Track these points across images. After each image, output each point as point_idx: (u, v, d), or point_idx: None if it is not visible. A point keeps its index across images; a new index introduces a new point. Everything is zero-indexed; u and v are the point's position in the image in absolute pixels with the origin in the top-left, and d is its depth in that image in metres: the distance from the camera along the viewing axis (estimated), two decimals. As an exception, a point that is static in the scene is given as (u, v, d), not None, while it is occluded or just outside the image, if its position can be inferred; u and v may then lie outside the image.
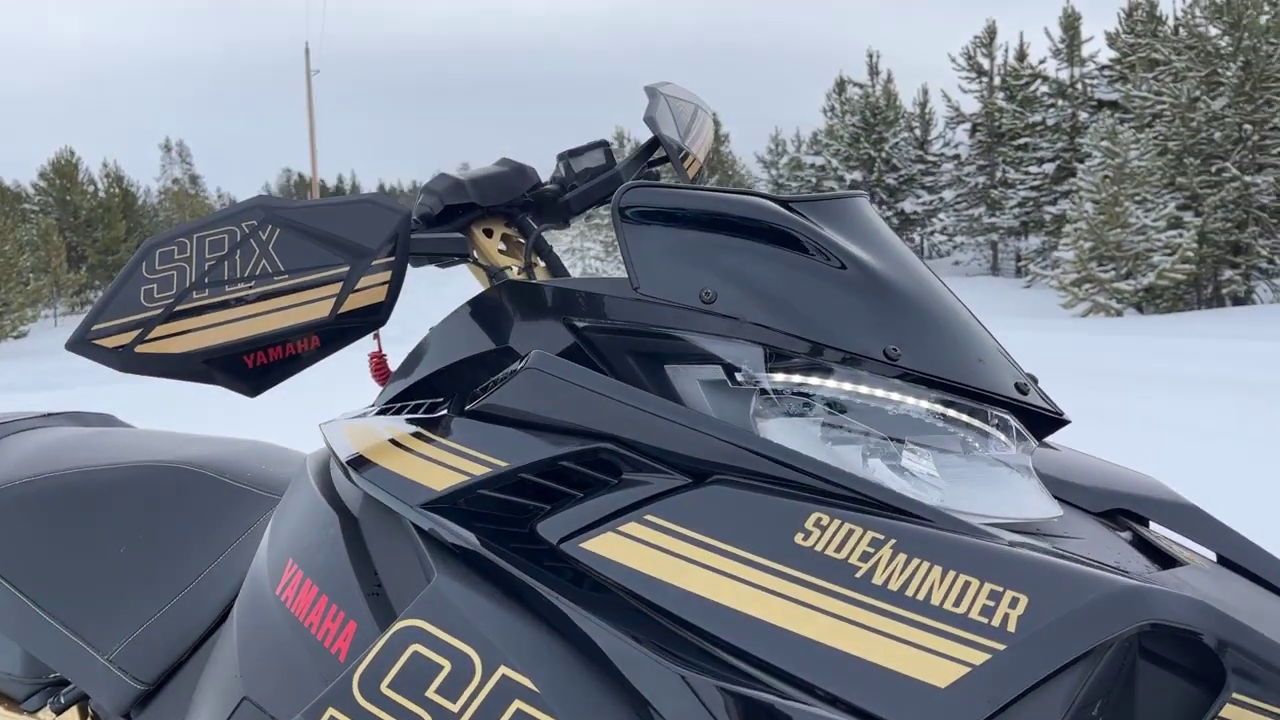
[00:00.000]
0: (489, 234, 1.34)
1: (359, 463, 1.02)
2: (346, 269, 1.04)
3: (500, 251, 1.34)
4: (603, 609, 0.87)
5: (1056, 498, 1.19)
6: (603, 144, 1.49)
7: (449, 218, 1.31)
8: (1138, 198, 18.54)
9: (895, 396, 1.02)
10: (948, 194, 30.95)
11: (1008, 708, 0.80)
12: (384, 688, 0.87)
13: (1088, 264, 18.18)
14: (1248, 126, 18.75)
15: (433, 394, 1.17)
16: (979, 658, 0.80)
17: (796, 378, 1.01)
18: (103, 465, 1.56)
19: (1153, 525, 1.21)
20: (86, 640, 1.39)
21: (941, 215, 31.67)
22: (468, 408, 1.02)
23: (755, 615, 0.84)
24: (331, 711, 0.88)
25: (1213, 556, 1.18)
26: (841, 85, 34.50)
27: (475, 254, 1.31)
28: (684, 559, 0.87)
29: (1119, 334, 12.17)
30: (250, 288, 1.01)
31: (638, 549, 0.89)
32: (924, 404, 1.02)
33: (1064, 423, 1.08)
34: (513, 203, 1.36)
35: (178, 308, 0.99)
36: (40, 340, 26.37)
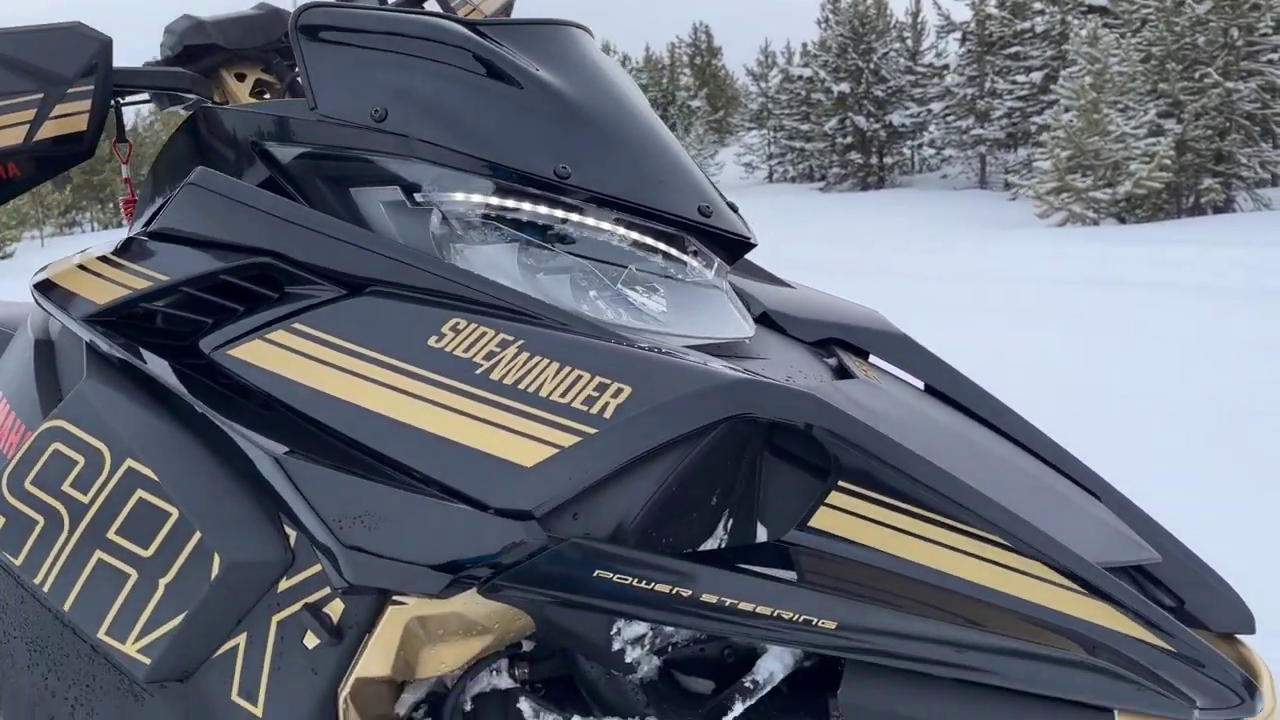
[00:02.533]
0: (241, 78, 1.34)
1: (45, 286, 1.05)
2: (40, 96, 1.05)
3: (257, 95, 1.34)
4: (238, 410, 0.90)
5: (778, 329, 1.22)
6: None
7: (194, 59, 1.31)
8: (1119, 105, 18.30)
9: (575, 217, 1.03)
10: (936, 106, 30.45)
11: (595, 486, 0.84)
12: (28, 484, 0.91)
13: (1065, 174, 18.02)
14: (1234, 31, 18.43)
15: None
16: (569, 440, 0.83)
17: (476, 196, 1.02)
18: None
19: (873, 358, 1.24)
20: None
21: (931, 128, 31.21)
22: (147, 229, 1.05)
23: (368, 408, 0.87)
24: None
25: (921, 385, 1.21)
26: (836, -9, 33.72)
27: (222, 96, 1.32)
28: (319, 361, 0.91)
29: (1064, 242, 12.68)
30: None
31: (278, 353, 0.92)
32: (605, 225, 1.04)
33: (750, 245, 1.10)
34: (268, 47, 1.36)
35: None
36: (26, 259, 26.28)
